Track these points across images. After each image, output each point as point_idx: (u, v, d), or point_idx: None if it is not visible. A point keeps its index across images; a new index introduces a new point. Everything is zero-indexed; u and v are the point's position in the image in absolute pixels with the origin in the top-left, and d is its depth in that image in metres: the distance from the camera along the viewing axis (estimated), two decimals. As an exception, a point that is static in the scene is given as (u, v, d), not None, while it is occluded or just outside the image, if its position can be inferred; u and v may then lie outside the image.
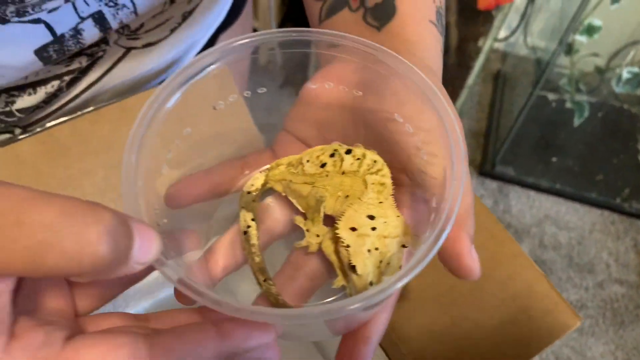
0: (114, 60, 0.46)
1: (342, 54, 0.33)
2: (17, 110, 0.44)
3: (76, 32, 0.41)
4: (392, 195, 0.31)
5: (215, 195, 0.34)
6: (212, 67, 0.31)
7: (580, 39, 1.28)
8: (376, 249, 0.29)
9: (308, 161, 0.32)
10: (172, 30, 0.47)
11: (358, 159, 0.32)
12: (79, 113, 0.41)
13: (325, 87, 0.34)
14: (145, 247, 0.21)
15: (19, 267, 0.17)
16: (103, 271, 0.19)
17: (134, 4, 0.43)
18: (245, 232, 0.32)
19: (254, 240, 0.32)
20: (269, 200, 0.34)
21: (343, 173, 0.32)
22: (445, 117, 0.29)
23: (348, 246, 0.29)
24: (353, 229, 0.29)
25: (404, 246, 0.29)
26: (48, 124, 0.40)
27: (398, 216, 0.30)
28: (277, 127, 0.37)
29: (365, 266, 0.28)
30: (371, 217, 0.30)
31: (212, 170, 0.34)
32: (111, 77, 0.46)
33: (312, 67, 0.35)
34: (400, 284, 0.24)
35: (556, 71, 1.35)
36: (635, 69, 1.31)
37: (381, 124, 0.32)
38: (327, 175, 0.32)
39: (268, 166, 0.35)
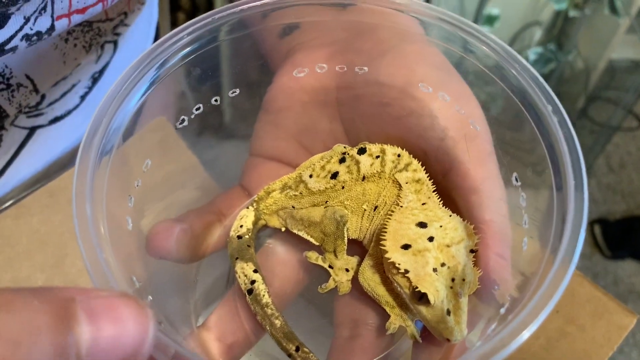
0: (16, 147, 0.34)
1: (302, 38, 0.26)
2: None
3: None
4: (434, 191, 0.23)
5: (194, 254, 0.25)
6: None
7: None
8: (442, 264, 0.21)
9: (311, 176, 0.24)
10: (83, 97, 0.36)
11: (377, 156, 0.23)
12: None
13: (295, 78, 0.26)
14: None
15: None
16: None
17: (32, 81, 0.31)
18: (251, 291, 0.23)
19: (266, 298, 0.23)
20: (269, 242, 0.25)
21: (363, 179, 0.24)
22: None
23: (407, 271, 0.21)
24: (406, 247, 0.21)
25: (472, 251, 0.22)
26: None
27: (451, 215, 0.22)
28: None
29: (438, 291, 0.20)
30: (422, 225, 0.22)
31: (183, 218, 0.24)
32: (15, 169, 0.34)
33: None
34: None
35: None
36: (540, 49, 1.34)
37: (388, 106, 0.24)
38: (343, 187, 0.24)
39: (255, 197, 0.26)
